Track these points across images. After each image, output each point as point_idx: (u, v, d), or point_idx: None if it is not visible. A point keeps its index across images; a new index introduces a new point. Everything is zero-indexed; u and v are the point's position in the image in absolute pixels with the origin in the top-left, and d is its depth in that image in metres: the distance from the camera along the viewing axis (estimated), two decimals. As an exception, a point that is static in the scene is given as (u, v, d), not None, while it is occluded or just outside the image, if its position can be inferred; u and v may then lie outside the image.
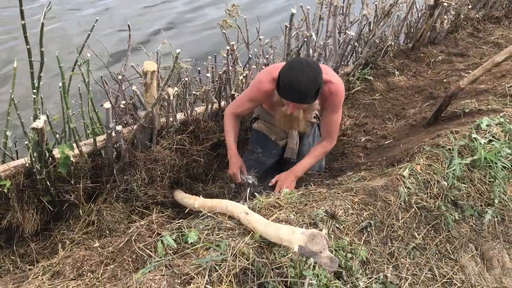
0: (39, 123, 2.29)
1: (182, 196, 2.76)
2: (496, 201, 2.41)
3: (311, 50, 3.89)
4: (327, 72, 2.49)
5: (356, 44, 4.25)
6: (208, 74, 3.25)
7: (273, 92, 2.50)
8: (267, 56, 3.54)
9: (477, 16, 5.50)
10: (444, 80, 4.30)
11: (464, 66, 4.53)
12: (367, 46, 4.22)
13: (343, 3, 4.06)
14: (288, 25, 3.57)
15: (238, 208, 2.00)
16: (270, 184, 2.73)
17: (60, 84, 2.45)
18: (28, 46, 2.21)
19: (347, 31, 4.00)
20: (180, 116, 3.12)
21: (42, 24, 2.10)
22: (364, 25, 4.23)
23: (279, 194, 2.28)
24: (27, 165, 2.52)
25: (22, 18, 2.09)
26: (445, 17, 4.88)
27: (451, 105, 3.25)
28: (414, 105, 4.00)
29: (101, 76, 3.07)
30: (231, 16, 3.42)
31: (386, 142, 3.41)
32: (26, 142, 2.31)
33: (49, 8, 2.03)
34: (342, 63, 4.15)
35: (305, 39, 3.71)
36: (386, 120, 3.81)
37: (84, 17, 6.56)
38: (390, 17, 4.30)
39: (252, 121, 3.06)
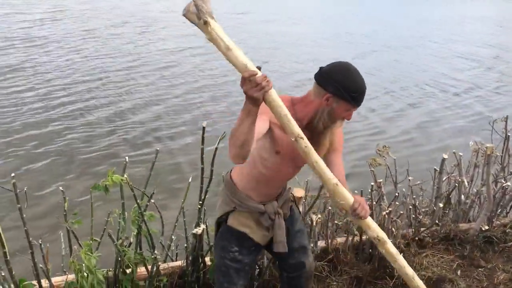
0: (199, 230, 2.68)
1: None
2: None
3: (462, 196, 3.82)
4: None
5: (514, 194, 4.02)
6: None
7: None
8: (414, 197, 3.57)
9: None
10: None
11: None
12: (528, 198, 3.96)
13: (502, 153, 3.98)
14: (438, 169, 3.64)
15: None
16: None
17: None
18: (202, 166, 2.71)
19: (504, 180, 3.85)
20: (321, 243, 3.27)
21: (216, 149, 2.59)
22: (524, 176, 4.03)
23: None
24: (182, 267, 2.90)
25: (202, 143, 2.62)
26: None
27: None
28: None
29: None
30: (381, 156, 3.65)
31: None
32: (185, 245, 2.69)
33: (223, 135, 2.52)
34: (499, 213, 3.93)
35: (457, 184, 3.69)
36: (554, 281, 3.39)
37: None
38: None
39: (223, 218, 2.37)
